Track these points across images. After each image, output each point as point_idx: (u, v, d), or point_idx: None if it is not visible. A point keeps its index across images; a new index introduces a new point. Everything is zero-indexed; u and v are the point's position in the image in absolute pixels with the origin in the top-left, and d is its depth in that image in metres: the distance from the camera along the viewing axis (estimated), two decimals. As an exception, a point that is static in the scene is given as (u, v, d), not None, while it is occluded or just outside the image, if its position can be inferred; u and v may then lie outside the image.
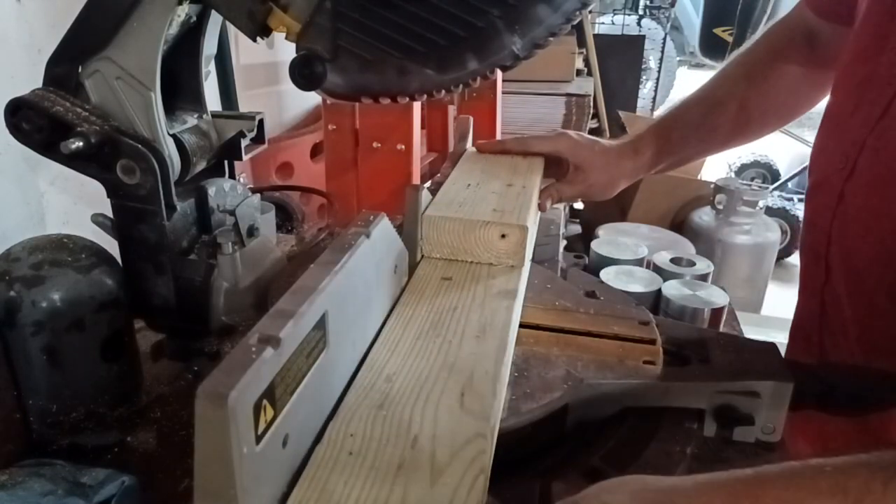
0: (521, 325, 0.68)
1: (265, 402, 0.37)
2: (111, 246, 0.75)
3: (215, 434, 0.33)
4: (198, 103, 0.81)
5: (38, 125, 0.69)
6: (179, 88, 0.79)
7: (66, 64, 0.71)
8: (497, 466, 0.46)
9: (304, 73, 0.66)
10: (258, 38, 0.66)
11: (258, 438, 0.36)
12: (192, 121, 0.79)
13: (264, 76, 1.95)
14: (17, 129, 0.70)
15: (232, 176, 0.87)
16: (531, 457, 0.62)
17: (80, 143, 0.67)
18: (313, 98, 2.11)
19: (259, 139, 0.86)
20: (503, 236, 0.67)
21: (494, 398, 0.49)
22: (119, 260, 0.75)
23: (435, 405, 0.47)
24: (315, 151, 2.02)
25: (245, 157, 0.85)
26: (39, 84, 0.71)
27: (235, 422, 0.33)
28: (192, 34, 0.76)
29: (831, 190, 0.76)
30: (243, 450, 0.34)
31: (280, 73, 2.04)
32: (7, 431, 0.69)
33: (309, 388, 0.42)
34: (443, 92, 0.71)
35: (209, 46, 0.78)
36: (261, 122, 0.85)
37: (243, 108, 0.86)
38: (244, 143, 0.84)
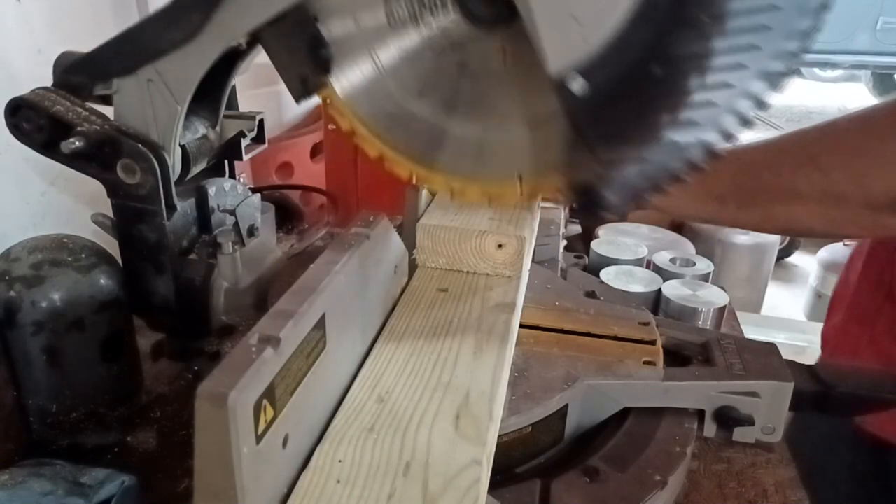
0: (521, 326, 0.68)
1: (265, 402, 0.37)
2: (111, 246, 0.75)
3: (215, 434, 0.33)
4: (214, 115, 0.80)
5: (38, 125, 0.69)
6: (202, 97, 0.78)
7: (82, 77, 0.70)
8: (497, 468, 0.46)
9: (590, 208, 0.55)
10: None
11: (258, 438, 0.36)
12: (202, 130, 0.78)
13: (264, 76, 1.94)
14: (17, 129, 0.70)
15: (232, 176, 0.87)
16: (531, 457, 0.62)
17: (81, 143, 0.67)
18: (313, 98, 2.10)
19: (259, 139, 0.86)
20: (500, 246, 0.66)
21: (491, 421, 0.47)
22: (119, 260, 0.75)
23: (429, 428, 0.46)
24: (315, 151, 2.01)
25: (245, 157, 0.85)
26: (39, 84, 0.71)
27: (235, 422, 0.33)
28: (234, 54, 0.74)
29: None
30: (243, 450, 0.34)
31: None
32: (7, 431, 0.69)
33: (309, 388, 0.42)
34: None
35: (244, 68, 0.78)
36: (261, 122, 0.85)
37: (243, 108, 0.86)
38: (244, 142, 0.84)
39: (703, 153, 0.50)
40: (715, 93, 0.47)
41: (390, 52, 0.60)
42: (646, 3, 0.44)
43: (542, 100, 0.59)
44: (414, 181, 0.65)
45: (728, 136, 0.49)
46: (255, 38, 0.62)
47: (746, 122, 0.49)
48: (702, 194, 0.53)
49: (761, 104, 0.48)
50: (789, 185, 0.68)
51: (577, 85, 0.47)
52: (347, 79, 0.62)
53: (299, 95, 0.63)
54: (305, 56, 0.61)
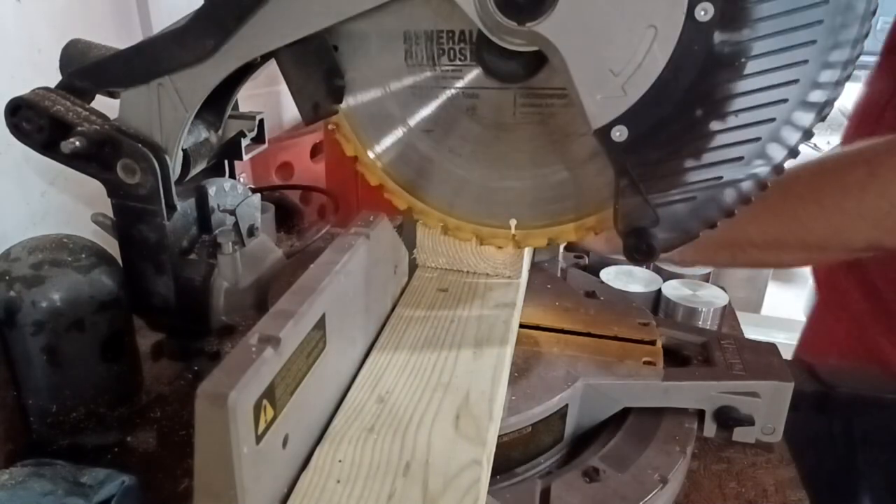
0: (521, 326, 0.68)
1: (265, 402, 0.37)
2: (111, 246, 0.75)
3: (215, 434, 0.33)
4: (218, 120, 0.80)
5: (38, 125, 0.69)
6: (208, 102, 0.77)
7: (87, 83, 0.70)
8: (497, 468, 0.46)
9: (642, 249, 0.53)
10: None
11: (258, 438, 0.36)
12: (205, 134, 0.78)
13: (264, 76, 1.94)
14: (17, 129, 0.70)
15: (232, 175, 0.87)
16: (531, 457, 0.62)
17: (81, 143, 0.67)
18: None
19: (259, 139, 0.86)
20: (500, 247, 0.67)
21: (490, 421, 0.47)
22: (119, 260, 0.75)
23: (428, 428, 0.46)
24: (315, 151, 2.01)
25: (245, 157, 0.85)
26: (39, 84, 0.71)
27: (235, 422, 0.33)
28: (247, 67, 0.74)
29: None
30: (243, 450, 0.34)
31: (280, 73, 2.03)
32: (7, 431, 0.69)
33: (309, 388, 0.42)
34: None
35: (255, 76, 0.78)
36: (261, 122, 0.85)
37: (243, 108, 0.86)
38: (244, 142, 0.84)
39: (752, 186, 0.50)
40: (758, 127, 0.48)
41: (403, 89, 0.61)
42: (682, 49, 0.45)
43: (548, 152, 0.60)
44: (410, 213, 0.66)
45: (776, 168, 0.49)
46: (270, 55, 0.63)
47: (794, 153, 0.49)
48: (694, 246, 0.54)
49: (807, 134, 0.49)
50: (776, 239, 0.75)
51: (619, 133, 0.48)
52: (357, 108, 0.63)
53: (309, 119, 0.63)
54: (320, 83, 0.61)
